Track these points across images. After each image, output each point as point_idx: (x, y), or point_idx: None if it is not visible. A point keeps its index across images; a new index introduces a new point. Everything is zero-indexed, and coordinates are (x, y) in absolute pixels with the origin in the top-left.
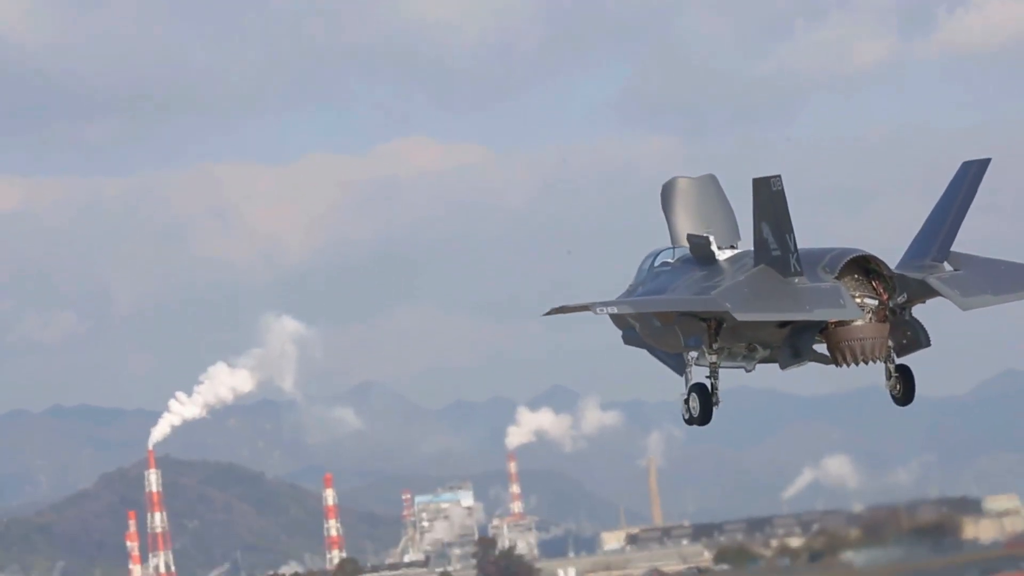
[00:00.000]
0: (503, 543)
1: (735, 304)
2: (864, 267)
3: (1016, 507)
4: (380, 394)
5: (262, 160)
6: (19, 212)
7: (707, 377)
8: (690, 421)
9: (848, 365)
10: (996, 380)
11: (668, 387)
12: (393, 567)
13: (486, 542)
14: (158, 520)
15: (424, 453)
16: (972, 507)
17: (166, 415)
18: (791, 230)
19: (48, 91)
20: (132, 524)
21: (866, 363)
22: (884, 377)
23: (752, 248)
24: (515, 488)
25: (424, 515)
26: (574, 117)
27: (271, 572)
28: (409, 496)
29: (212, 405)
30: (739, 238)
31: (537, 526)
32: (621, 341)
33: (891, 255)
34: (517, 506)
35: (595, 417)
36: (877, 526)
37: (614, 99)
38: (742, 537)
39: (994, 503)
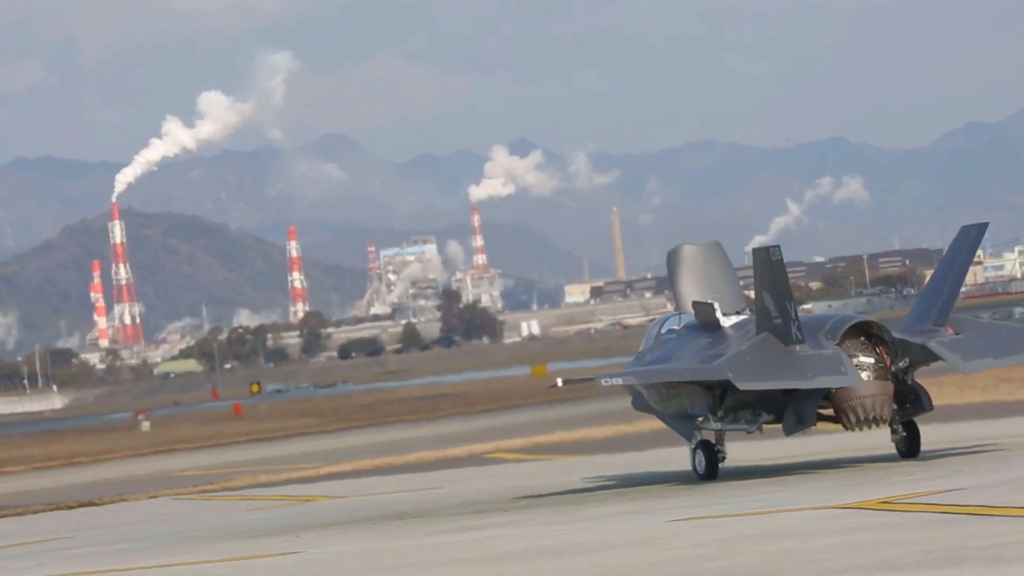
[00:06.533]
0: (467, 296)
1: (737, 374)
2: (866, 332)
3: (977, 257)
4: (346, 146)
5: None
6: None
7: (713, 443)
8: (695, 470)
9: (856, 427)
10: (960, 132)
11: (636, 142)
12: (358, 320)
13: (450, 295)
14: (122, 272)
15: (391, 206)
16: (934, 259)
17: (154, 141)
18: (791, 298)
19: None
20: (97, 276)
21: (873, 423)
22: (890, 434)
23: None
24: (479, 241)
25: (390, 268)
26: None
27: (236, 324)
28: (374, 249)
29: (207, 139)
30: (744, 304)
31: (500, 279)
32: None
33: None
34: (481, 259)
35: (561, 170)
36: (838, 277)
37: None
38: None
39: None
